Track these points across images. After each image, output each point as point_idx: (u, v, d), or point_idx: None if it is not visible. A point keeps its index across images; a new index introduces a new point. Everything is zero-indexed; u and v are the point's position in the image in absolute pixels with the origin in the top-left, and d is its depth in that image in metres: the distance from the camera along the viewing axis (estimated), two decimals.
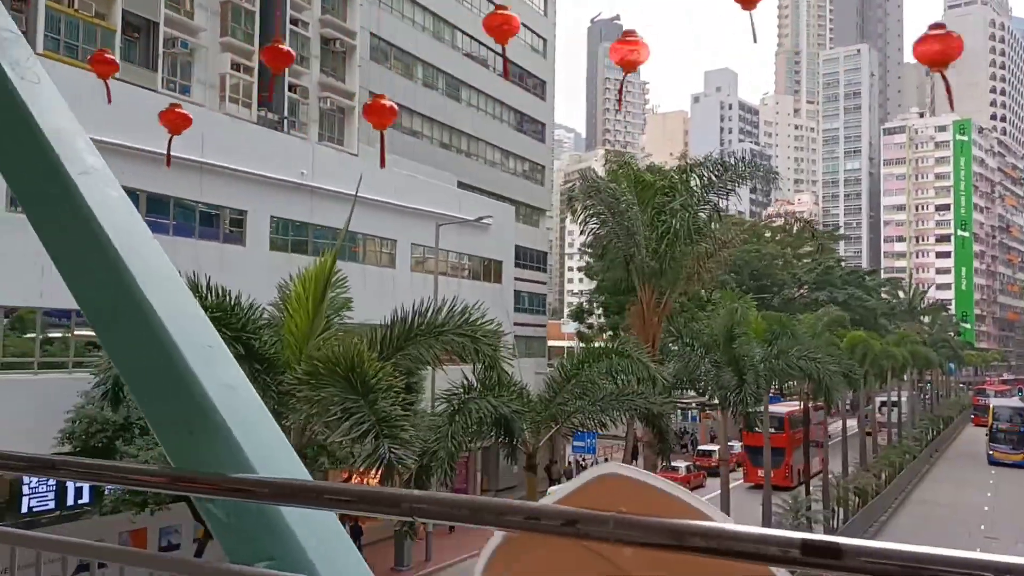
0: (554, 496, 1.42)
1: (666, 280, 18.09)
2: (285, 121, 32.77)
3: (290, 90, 33.30)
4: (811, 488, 32.70)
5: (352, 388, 9.15)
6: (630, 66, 4.26)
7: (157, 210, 24.61)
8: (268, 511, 1.84)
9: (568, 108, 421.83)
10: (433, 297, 26.54)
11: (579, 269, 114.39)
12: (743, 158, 18.21)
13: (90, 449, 18.49)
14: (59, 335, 23.04)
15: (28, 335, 22.39)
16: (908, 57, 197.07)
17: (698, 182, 17.58)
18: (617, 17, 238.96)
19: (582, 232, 19.50)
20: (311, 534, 1.84)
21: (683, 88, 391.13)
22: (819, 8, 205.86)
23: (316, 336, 10.29)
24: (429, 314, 10.98)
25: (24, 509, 21.12)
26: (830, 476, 31.60)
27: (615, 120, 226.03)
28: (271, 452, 2.02)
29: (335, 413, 9.27)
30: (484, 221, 38.74)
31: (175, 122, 6.17)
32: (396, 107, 5.01)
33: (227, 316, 10.12)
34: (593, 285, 64.38)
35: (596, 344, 50.02)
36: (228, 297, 10.55)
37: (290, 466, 2.05)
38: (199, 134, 25.31)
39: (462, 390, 11.92)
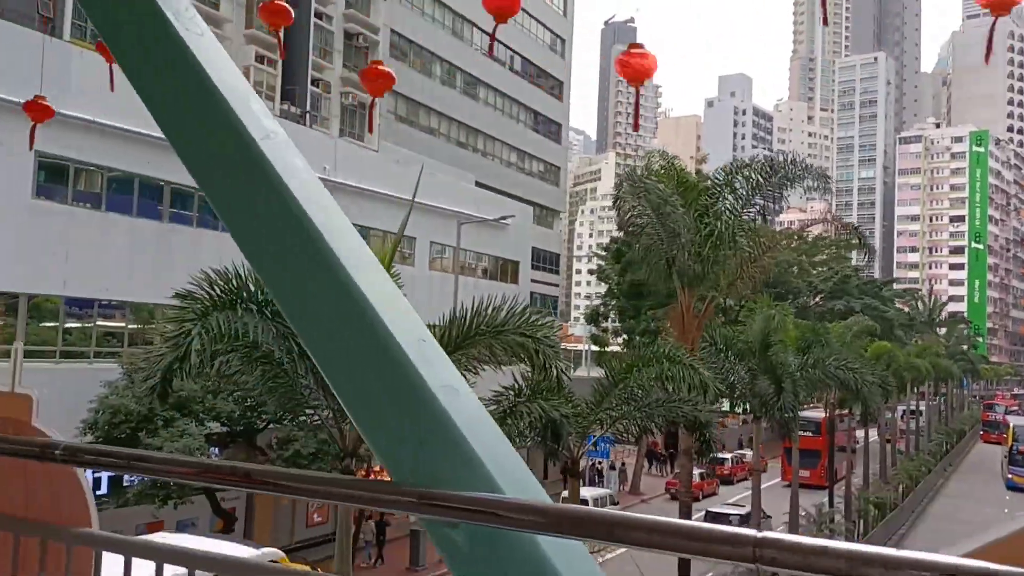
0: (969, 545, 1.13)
1: (707, 284, 17.76)
2: (307, 115, 32.57)
3: (313, 84, 33.11)
4: (834, 500, 32.48)
5: None
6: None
7: (183, 203, 24.42)
8: (524, 540, 1.53)
9: (578, 110, 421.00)
10: (453, 297, 26.30)
11: (589, 272, 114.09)
12: (793, 160, 17.87)
13: (113, 440, 18.27)
14: (77, 324, 22.86)
15: (45, 323, 22.20)
16: (925, 66, 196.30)
17: (744, 184, 17.28)
18: (631, 20, 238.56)
19: (626, 230, 19.03)
20: (568, 568, 1.53)
21: (697, 92, 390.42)
22: (835, 16, 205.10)
23: None
24: (488, 313, 10.63)
25: None
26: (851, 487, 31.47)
27: (626, 123, 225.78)
28: (510, 467, 1.70)
29: None
30: (503, 221, 38.48)
31: None
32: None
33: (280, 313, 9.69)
34: (601, 288, 63.99)
35: (613, 349, 49.74)
36: None
37: (531, 484, 1.72)
38: None
39: (512, 392, 11.57)
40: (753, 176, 17.27)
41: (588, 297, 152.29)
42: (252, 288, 9.42)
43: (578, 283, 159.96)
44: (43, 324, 22.16)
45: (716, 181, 17.91)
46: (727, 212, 16.91)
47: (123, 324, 23.41)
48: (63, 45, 21.78)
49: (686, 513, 15.72)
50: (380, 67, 5.22)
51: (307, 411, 10.79)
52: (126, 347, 22.89)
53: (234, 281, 9.41)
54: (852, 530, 26.15)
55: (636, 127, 4.56)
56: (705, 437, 13.14)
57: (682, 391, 12.31)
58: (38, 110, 5.39)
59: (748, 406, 23.28)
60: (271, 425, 21.75)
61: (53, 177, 21.15)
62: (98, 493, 21.83)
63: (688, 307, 17.66)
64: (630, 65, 4.03)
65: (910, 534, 35.32)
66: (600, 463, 39.64)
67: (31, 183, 20.13)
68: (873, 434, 49.22)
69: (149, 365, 9.90)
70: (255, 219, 1.96)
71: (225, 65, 2.12)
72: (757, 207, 17.66)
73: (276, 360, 9.80)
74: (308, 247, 1.91)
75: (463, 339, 10.13)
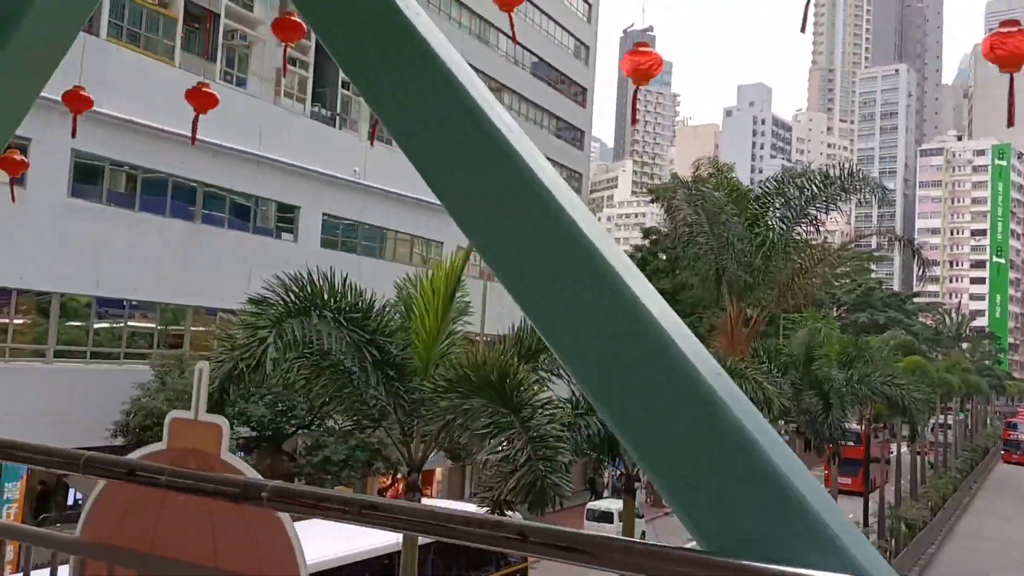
0: None
1: (757, 296, 17.37)
2: (337, 118, 32.41)
3: (343, 87, 32.94)
4: (869, 511, 32.12)
5: (503, 400, 8.43)
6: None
7: (214, 205, 24.26)
8: None
9: (595, 118, 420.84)
10: (482, 303, 25.97)
11: None
12: (851, 172, 17.46)
13: (145, 442, 18.04)
14: (106, 325, 22.67)
15: (71, 323, 21.99)
16: (947, 79, 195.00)
17: (798, 194, 16.89)
18: (650, 28, 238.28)
19: (677, 238, 18.60)
20: None
21: (715, 101, 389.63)
22: (855, 27, 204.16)
23: (442, 341, 9.68)
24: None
25: (71, 501, 20.77)
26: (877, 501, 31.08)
27: (644, 131, 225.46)
28: (858, 539, 1.37)
29: (481, 426, 8.54)
30: None
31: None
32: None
33: (364, 318, 9.39)
34: None
35: None
36: (363, 297, 9.81)
37: (883, 566, 1.38)
38: (257, 127, 24.98)
39: (570, 406, 11.22)
40: (808, 186, 16.87)
41: None
42: (349, 296, 9.16)
43: None
44: (69, 323, 21.99)
45: (767, 190, 17.54)
46: (779, 222, 16.53)
47: (152, 325, 23.23)
48: (101, 43, 21.67)
49: None
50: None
51: (373, 422, 10.50)
52: (155, 348, 22.71)
53: (308, 287, 9.11)
54: (886, 548, 25.63)
55: (634, 122, 4.69)
56: None
57: None
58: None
59: (792, 421, 22.79)
60: (299, 431, 21.50)
61: (88, 176, 21.01)
62: None
63: (737, 318, 17.27)
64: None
65: (939, 554, 34.70)
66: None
67: (67, 182, 19.98)
68: (903, 446, 49.12)
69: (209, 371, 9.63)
70: (515, 231, 1.65)
71: (448, 49, 1.82)
72: (810, 218, 17.27)
73: (343, 369, 9.50)
74: (583, 260, 1.60)
75: (537, 350, 9.77)
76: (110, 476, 1.93)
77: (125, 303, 22.13)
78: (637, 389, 1.52)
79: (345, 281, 9.57)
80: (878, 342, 31.60)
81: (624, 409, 1.53)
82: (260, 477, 1.76)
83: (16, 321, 20.39)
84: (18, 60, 2.30)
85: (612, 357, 1.51)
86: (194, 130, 6.15)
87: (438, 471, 33.01)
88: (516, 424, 8.34)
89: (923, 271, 21.01)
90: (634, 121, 5.07)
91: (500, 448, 8.50)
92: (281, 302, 9.04)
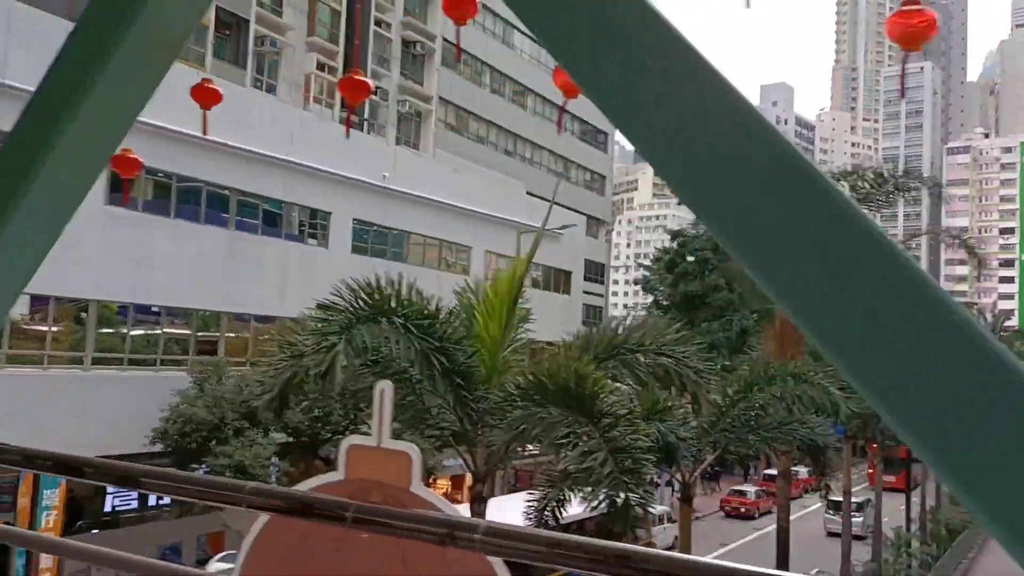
0: None
1: None
2: (365, 123, 32.38)
3: (372, 93, 32.94)
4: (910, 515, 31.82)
5: (581, 409, 8.15)
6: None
7: (248, 212, 24.27)
8: None
9: (601, 122, 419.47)
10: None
11: (630, 282, 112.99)
12: (907, 170, 17.08)
13: (183, 449, 18.04)
14: (139, 332, 22.71)
15: (106, 330, 22.04)
16: (972, 76, 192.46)
17: (850, 193, 16.52)
18: None
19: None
20: None
21: None
22: (878, 24, 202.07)
23: (506, 348, 9.49)
24: (625, 330, 10.03)
25: (108, 508, 20.80)
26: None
27: None
28: None
29: (559, 436, 8.25)
30: (558, 231, 37.95)
31: (206, 97, 6.60)
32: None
33: (431, 325, 9.19)
34: (641, 298, 62.87)
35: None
36: (428, 303, 9.61)
37: None
38: (287, 133, 24.97)
39: (625, 411, 10.95)
40: (861, 185, 16.48)
41: (626, 307, 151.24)
42: (392, 302, 8.95)
43: (615, 293, 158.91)
44: (105, 330, 22.03)
45: None
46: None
47: (185, 331, 23.26)
48: None
49: (784, 538, 15.02)
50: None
51: (436, 432, 10.32)
52: (192, 355, 22.73)
53: (377, 294, 8.93)
54: (931, 554, 25.14)
55: (560, 130, 4.65)
56: (823, 461, 12.36)
57: (806, 412, 11.60)
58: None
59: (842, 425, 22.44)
60: (334, 436, 21.38)
61: (125, 183, 21.07)
62: (161, 502, 21.59)
63: (787, 321, 16.90)
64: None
65: (980, 558, 34.05)
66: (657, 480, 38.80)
67: (104, 189, 20.03)
68: None
69: (267, 379, 9.49)
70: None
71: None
72: None
73: (407, 378, 9.32)
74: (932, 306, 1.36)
75: (605, 356, 9.55)
76: (281, 511, 1.73)
77: (161, 309, 22.16)
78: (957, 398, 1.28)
79: (412, 288, 9.37)
80: None
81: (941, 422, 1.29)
82: (460, 512, 1.57)
83: (52, 328, 20.48)
84: (144, 41, 2.13)
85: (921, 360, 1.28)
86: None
87: (468, 476, 32.88)
88: (597, 434, 8.05)
89: (978, 270, 20.45)
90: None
91: (587, 460, 8.14)
92: (350, 308, 8.85)
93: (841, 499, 16.03)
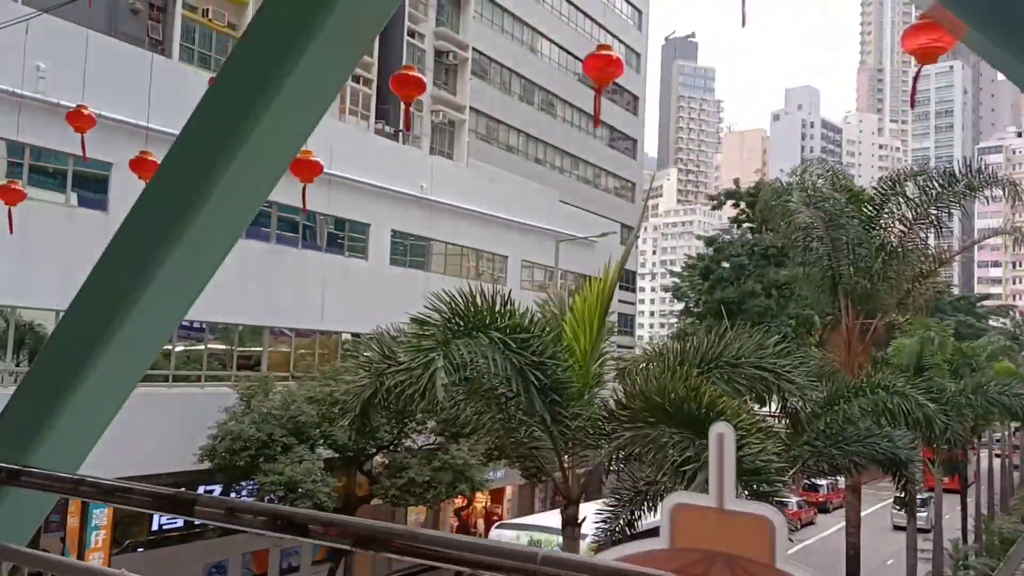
0: None
1: (876, 303, 16.49)
2: (400, 134, 32.24)
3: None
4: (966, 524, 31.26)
5: (700, 429, 7.63)
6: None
7: (287, 225, 24.14)
8: None
9: (630, 128, 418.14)
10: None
11: (664, 289, 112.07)
12: (979, 169, 16.55)
13: (232, 467, 17.82)
14: (181, 348, 22.61)
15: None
16: (1003, 75, 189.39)
17: (918, 193, 16.02)
18: (692, 35, 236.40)
19: (790, 242, 17.72)
20: None
21: (762, 106, 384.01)
22: (904, 26, 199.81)
23: (595, 361, 9.10)
24: (720, 342, 9.57)
25: (155, 527, 20.67)
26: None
27: (687, 139, 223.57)
28: None
29: (678, 459, 7.71)
30: (594, 238, 37.55)
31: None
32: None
33: (527, 339, 8.78)
34: (668, 305, 62.21)
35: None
36: (521, 316, 9.16)
37: None
38: (328, 145, 24.82)
39: (753, 429, 10.37)
40: (931, 185, 15.99)
41: (652, 315, 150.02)
42: (509, 316, 8.56)
43: (641, 300, 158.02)
44: None
45: (880, 190, 16.67)
46: (898, 224, 15.68)
47: (228, 346, 23.12)
48: (176, 65, 21.73)
49: (854, 553, 14.43)
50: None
51: (523, 451, 9.93)
52: (233, 370, 22.58)
53: (472, 306, 8.57)
54: (991, 565, 24.36)
55: (597, 124, 4.89)
56: (907, 478, 11.79)
57: (895, 425, 11.07)
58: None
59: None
60: (378, 452, 21.11)
61: None
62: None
63: (853, 328, 16.39)
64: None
65: None
66: None
67: None
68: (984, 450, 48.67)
69: (349, 397, 9.20)
70: None
71: None
72: (931, 219, 16.35)
73: (496, 395, 8.95)
74: None
75: (705, 369, 9.09)
76: None
77: (204, 325, 22.05)
78: None
79: (507, 300, 8.98)
80: (972, 349, 30.33)
81: None
82: None
83: None
84: (341, 28, 1.95)
85: None
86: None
87: (508, 489, 32.45)
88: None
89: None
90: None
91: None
92: (446, 322, 8.47)
93: (905, 496, 15.88)
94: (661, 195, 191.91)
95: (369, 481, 21.21)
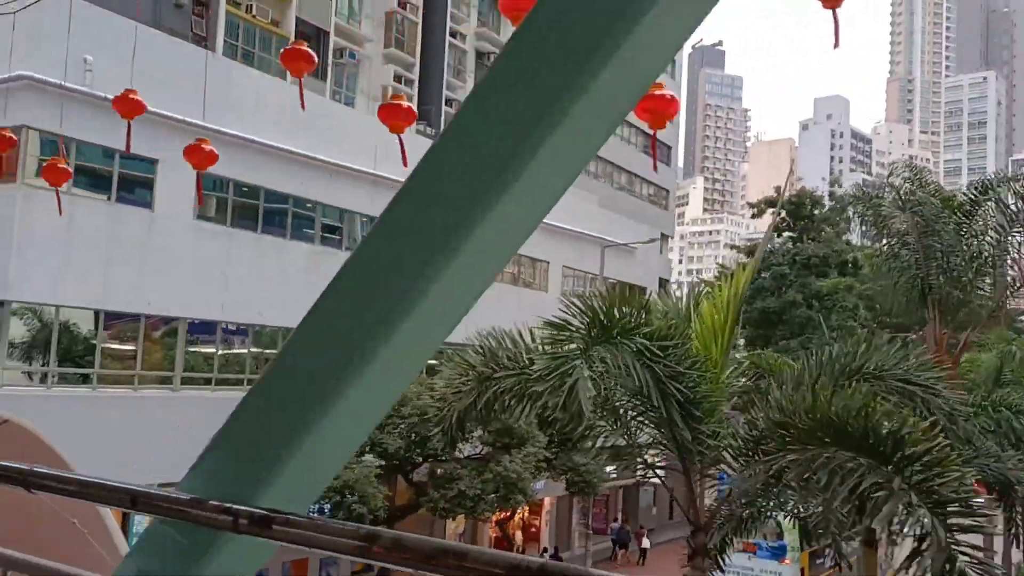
0: None
1: (966, 314, 15.53)
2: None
3: (447, 104, 32.20)
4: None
5: (877, 453, 6.75)
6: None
7: (330, 226, 23.53)
8: None
9: (663, 134, 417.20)
10: None
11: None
12: None
13: None
14: (223, 350, 21.98)
15: (191, 349, 21.34)
16: None
17: (1014, 201, 15.09)
18: (720, 43, 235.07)
19: (882, 250, 16.78)
20: None
21: (790, 115, 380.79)
22: (934, 35, 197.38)
23: (727, 372, 8.30)
24: (859, 354, 8.75)
25: None
26: None
27: (714, 148, 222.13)
28: None
29: (856, 489, 6.85)
30: (633, 245, 36.70)
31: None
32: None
33: (667, 348, 7.92)
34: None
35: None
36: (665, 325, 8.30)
37: None
38: (372, 146, 24.19)
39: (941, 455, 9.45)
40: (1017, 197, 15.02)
41: None
42: (646, 324, 7.74)
43: None
44: (191, 350, 21.32)
45: (971, 196, 15.73)
46: (991, 231, 14.74)
47: (271, 350, 22.48)
48: (224, 61, 21.18)
49: None
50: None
51: (645, 466, 9.11)
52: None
53: (616, 310, 7.75)
54: None
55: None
56: (1011, 497, 10.85)
57: (1013, 446, 10.16)
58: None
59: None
60: (427, 461, 20.36)
61: (213, 197, 20.45)
62: None
63: (942, 340, 15.44)
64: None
65: None
66: None
67: (192, 203, 19.37)
68: None
69: (441, 407, 8.43)
70: None
71: None
72: None
73: (614, 407, 8.18)
74: None
75: (848, 381, 8.24)
76: None
77: (248, 329, 21.45)
78: None
79: (646, 305, 8.14)
80: None
81: None
82: None
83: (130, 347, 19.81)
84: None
85: None
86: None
87: (547, 500, 31.58)
88: (904, 487, 6.52)
89: None
90: None
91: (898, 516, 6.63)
92: (584, 328, 7.67)
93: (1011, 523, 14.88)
94: (687, 203, 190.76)
95: (415, 491, 20.47)
